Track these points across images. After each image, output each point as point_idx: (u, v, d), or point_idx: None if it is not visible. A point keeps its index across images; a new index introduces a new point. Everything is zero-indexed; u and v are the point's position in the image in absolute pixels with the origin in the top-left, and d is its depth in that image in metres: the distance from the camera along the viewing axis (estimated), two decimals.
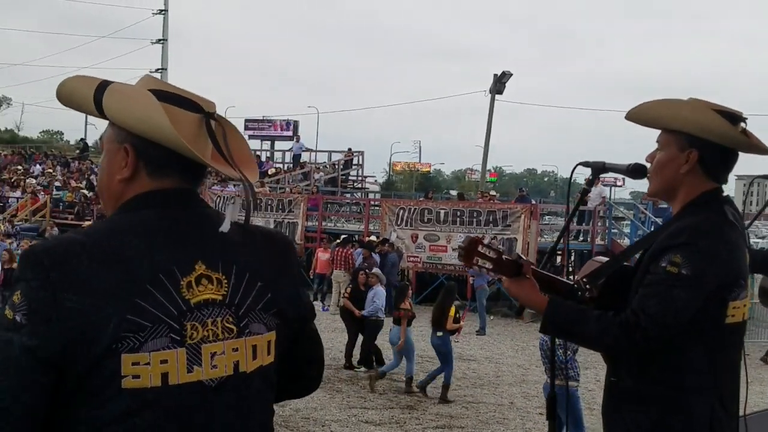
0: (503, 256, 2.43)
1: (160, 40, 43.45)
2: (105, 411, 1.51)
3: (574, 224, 21.61)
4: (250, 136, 41.85)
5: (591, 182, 2.59)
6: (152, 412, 1.52)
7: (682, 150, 2.47)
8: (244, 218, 1.77)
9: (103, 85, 1.69)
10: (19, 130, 76.11)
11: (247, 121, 43.03)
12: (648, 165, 2.55)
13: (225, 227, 1.67)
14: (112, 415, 1.51)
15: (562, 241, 2.65)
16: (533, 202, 23.19)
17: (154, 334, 1.52)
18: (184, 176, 1.69)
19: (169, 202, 1.66)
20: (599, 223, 21.54)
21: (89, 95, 1.69)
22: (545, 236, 20.75)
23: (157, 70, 43.12)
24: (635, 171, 2.49)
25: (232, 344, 1.62)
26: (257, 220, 21.70)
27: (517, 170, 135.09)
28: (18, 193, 31.69)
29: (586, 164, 2.58)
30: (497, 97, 33.35)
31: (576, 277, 2.59)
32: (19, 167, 37.91)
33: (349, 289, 11.99)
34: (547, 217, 23.11)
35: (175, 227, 1.64)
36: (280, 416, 8.85)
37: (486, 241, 2.44)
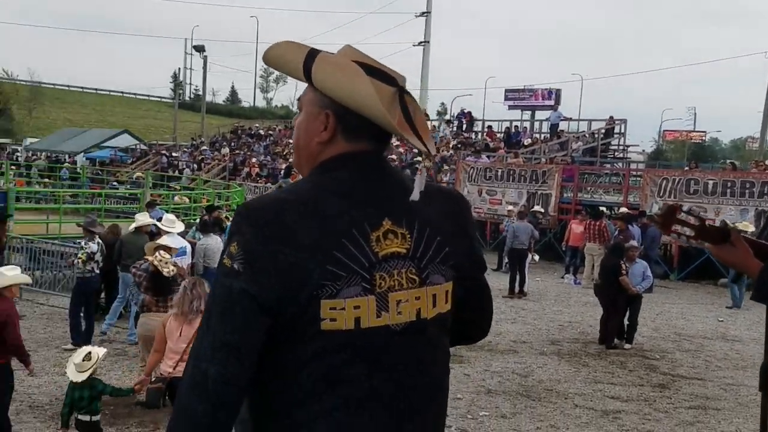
0: (706, 223, 2.39)
1: (423, 13, 44.49)
2: (306, 350, 1.69)
3: None
4: (510, 107, 41.40)
5: None
6: (345, 352, 1.70)
7: None
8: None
9: (313, 54, 1.82)
10: (293, 106, 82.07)
11: (507, 91, 42.71)
12: None
13: (415, 196, 1.82)
14: (311, 353, 1.69)
15: None
16: None
17: (348, 283, 1.70)
18: (374, 140, 1.84)
19: (362, 163, 1.82)
20: None
21: (299, 61, 1.82)
22: None
23: (419, 44, 44.29)
24: None
25: (415, 293, 1.79)
26: (509, 190, 21.60)
27: None
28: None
29: None
30: None
31: None
32: (291, 141, 40.93)
33: (625, 267, 11.52)
34: None
35: (368, 186, 1.80)
36: (522, 386, 8.83)
37: (685, 209, 2.43)
